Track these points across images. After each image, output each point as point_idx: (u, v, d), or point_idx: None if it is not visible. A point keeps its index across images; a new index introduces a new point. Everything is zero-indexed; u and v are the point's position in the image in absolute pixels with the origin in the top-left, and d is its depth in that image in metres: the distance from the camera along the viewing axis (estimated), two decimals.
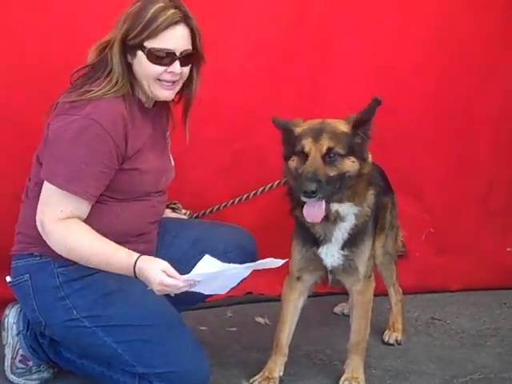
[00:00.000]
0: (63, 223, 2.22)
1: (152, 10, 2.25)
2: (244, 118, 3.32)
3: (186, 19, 2.29)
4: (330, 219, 2.47)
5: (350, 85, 3.40)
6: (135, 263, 2.18)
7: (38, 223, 2.25)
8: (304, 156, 2.40)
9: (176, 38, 2.28)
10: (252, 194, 3.01)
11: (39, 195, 2.30)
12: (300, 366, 2.81)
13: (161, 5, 2.27)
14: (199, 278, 2.13)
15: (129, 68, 2.32)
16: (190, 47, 2.32)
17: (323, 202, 2.37)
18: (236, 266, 2.16)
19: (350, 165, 2.41)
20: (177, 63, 2.29)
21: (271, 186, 2.99)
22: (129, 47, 2.28)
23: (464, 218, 3.70)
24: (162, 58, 2.27)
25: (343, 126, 2.44)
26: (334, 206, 2.45)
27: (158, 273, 2.14)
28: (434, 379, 2.76)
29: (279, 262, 2.18)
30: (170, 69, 2.29)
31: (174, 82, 2.34)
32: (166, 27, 2.25)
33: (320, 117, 3.29)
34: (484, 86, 3.61)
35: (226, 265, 2.13)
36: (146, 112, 2.39)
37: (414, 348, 3.03)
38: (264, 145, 3.32)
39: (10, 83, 2.88)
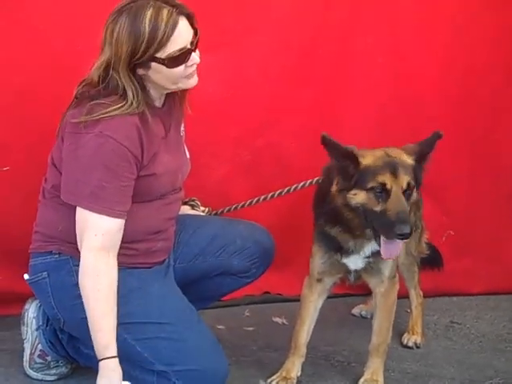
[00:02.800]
0: (96, 258, 2.18)
1: (147, 22, 2.14)
2: (264, 115, 3.30)
3: (180, 11, 2.21)
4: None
5: (370, 85, 3.37)
6: (107, 357, 2.17)
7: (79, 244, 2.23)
8: (383, 193, 2.31)
9: (182, 35, 2.22)
10: (277, 193, 2.96)
11: (56, 197, 2.30)
12: (318, 366, 2.79)
13: (151, 11, 2.15)
14: None
15: (141, 81, 2.25)
16: (192, 32, 2.26)
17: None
18: None
19: (415, 196, 2.42)
20: (192, 55, 2.26)
21: (296, 188, 2.93)
22: (138, 64, 2.21)
23: (484, 220, 3.65)
24: (179, 58, 2.22)
25: (408, 158, 2.38)
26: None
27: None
28: (453, 383, 2.73)
29: None
30: (190, 62, 2.26)
31: (196, 67, 2.30)
32: (172, 32, 2.17)
33: (341, 117, 3.36)
34: (507, 86, 3.55)
35: None
36: (156, 113, 2.34)
37: (433, 351, 3.00)
38: (284, 142, 3.31)
39: (24, 82, 2.86)
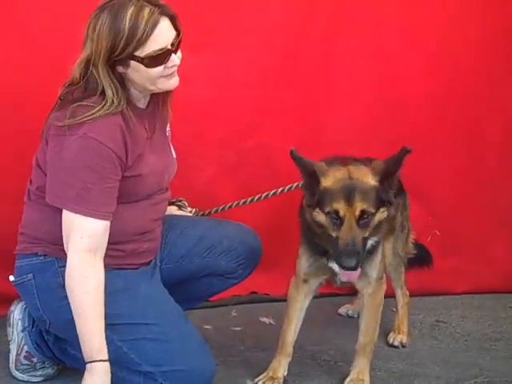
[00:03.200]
0: (82, 261, 2.18)
1: (128, 19, 2.14)
2: (250, 117, 3.32)
3: (162, 12, 2.21)
4: None
5: (355, 87, 3.39)
6: (99, 360, 2.18)
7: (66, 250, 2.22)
8: (337, 220, 2.32)
9: (163, 35, 2.22)
10: (264, 195, 2.97)
11: (41, 198, 2.30)
12: (304, 366, 2.80)
13: (132, 9, 2.16)
14: None
15: (120, 78, 2.25)
16: (175, 33, 2.26)
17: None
18: None
19: (381, 216, 2.38)
20: (172, 56, 2.26)
21: (282, 190, 2.94)
22: (117, 61, 2.21)
23: (469, 220, 3.68)
24: (158, 58, 2.22)
25: (371, 179, 2.35)
26: None
27: None
28: (438, 382, 2.74)
29: None
30: (170, 63, 2.26)
31: (176, 69, 2.30)
32: (152, 31, 2.17)
33: (327, 119, 3.38)
34: (493, 88, 3.59)
35: None
36: (140, 114, 2.34)
37: (418, 351, 3.01)
38: (270, 144, 3.32)
39: (11, 85, 2.86)
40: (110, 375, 2.20)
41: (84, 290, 2.18)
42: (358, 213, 2.32)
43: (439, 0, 3.45)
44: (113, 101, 2.21)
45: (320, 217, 2.38)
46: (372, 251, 2.52)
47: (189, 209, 2.89)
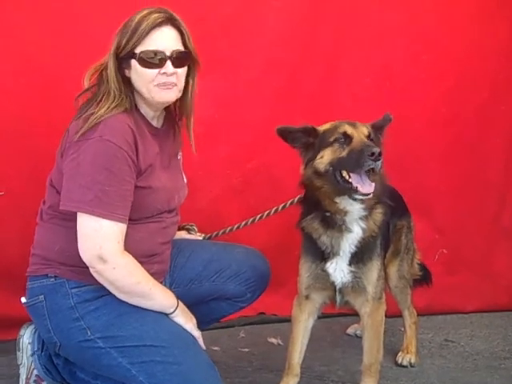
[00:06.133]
0: (127, 256, 2.26)
1: (136, 19, 2.29)
2: (256, 137, 3.35)
3: (171, 20, 2.31)
4: (338, 222, 2.47)
5: (359, 104, 3.42)
6: (177, 303, 2.38)
7: (92, 258, 2.23)
8: (346, 140, 2.41)
9: (163, 38, 2.29)
10: (266, 214, 3.01)
11: (54, 218, 2.33)
12: None
13: (145, 12, 2.31)
14: None
15: (127, 82, 2.34)
16: (180, 47, 2.32)
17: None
18: None
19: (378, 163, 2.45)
20: (168, 63, 2.29)
21: (284, 206, 2.98)
22: (123, 60, 2.31)
23: (476, 238, 3.69)
24: (152, 59, 2.28)
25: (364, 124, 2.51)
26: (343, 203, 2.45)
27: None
28: None
29: None
30: (163, 70, 2.29)
31: (171, 83, 2.34)
32: (151, 29, 2.27)
33: None
34: (495, 103, 3.61)
35: None
36: (154, 131, 2.41)
37: (427, 370, 3.01)
38: (276, 164, 3.35)
39: (20, 109, 2.92)
40: None
41: (136, 281, 2.29)
42: (365, 132, 2.44)
43: (435, 10, 3.48)
44: (115, 95, 2.28)
45: (325, 155, 2.44)
46: (366, 258, 2.52)
47: (198, 234, 2.91)
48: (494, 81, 3.59)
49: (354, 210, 2.46)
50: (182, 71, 2.35)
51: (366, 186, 2.39)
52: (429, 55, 3.49)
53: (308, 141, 2.49)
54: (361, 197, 2.41)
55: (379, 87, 3.45)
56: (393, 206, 2.65)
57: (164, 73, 2.30)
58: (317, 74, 3.40)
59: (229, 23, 3.24)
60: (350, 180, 2.39)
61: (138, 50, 2.28)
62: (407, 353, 3.05)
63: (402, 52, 3.47)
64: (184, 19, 2.85)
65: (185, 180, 2.61)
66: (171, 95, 2.36)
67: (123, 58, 2.31)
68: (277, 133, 2.48)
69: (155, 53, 2.28)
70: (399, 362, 3.03)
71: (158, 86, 2.32)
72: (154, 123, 2.43)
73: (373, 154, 2.32)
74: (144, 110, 2.39)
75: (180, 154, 2.60)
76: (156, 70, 2.29)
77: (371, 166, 2.35)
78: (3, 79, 2.91)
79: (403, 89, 3.49)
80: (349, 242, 2.50)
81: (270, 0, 3.28)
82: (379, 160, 2.34)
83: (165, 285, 2.56)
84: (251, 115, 3.33)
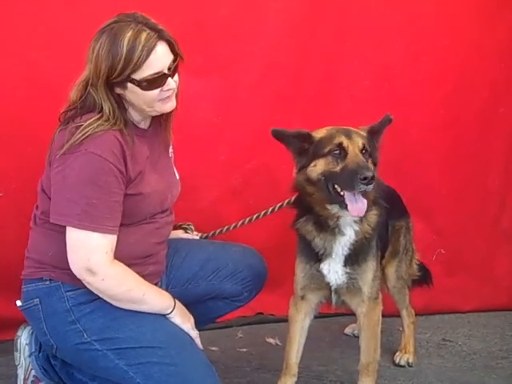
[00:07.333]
0: (116, 265, 2.27)
1: (125, 43, 2.20)
2: (256, 138, 3.34)
3: (160, 36, 2.26)
4: (331, 225, 2.47)
5: (359, 104, 3.42)
6: (174, 303, 2.39)
7: (81, 271, 2.23)
8: (341, 153, 2.39)
9: (159, 59, 2.26)
10: (262, 213, 3.01)
11: (46, 223, 2.32)
12: None
13: (130, 33, 2.21)
14: None
15: (118, 99, 2.30)
16: (172, 57, 2.30)
17: (362, 197, 2.38)
18: None
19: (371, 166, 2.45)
20: (169, 80, 2.29)
21: (281, 205, 2.98)
22: (115, 83, 2.26)
23: (474, 238, 3.69)
24: (154, 82, 2.26)
25: (360, 131, 2.49)
26: (335, 209, 2.44)
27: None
28: None
29: None
30: (166, 87, 2.29)
31: (172, 92, 2.34)
32: (148, 55, 2.22)
33: None
34: (495, 105, 3.61)
35: None
36: (141, 134, 2.39)
37: (425, 369, 3.01)
38: (275, 165, 3.34)
39: (17, 112, 2.91)
40: None
41: (127, 288, 2.29)
42: (360, 144, 2.40)
43: (435, 11, 3.48)
44: (109, 118, 2.25)
45: (318, 165, 2.42)
46: (361, 259, 2.52)
47: (195, 233, 2.90)
48: (493, 82, 3.59)
49: (346, 215, 2.44)
50: (177, 77, 2.35)
51: (359, 206, 2.37)
52: (428, 56, 3.48)
53: (302, 146, 2.46)
54: (349, 217, 2.42)
55: (378, 89, 3.45)
56: (391, 207, 2.65)
57: (167, 89, 2.29)
58: (316, 75, 3.39)
59: (228, 25, 3.23)
60: (342, 193, 2.38)
61: (136, 76, 2.24)
62: (405, 352, 3.05)
63: (401, 53, 3.46)
64: (183, 21, 2.89)
65: (177, 176, 2.59)
66: (173, 103, 2.37)
67: (115, 82, 2.26)
68: (272, 135, 2.47)
69: (156, 75, 2.25)
70: (397, 361, 3.03)
71: (162, 101, 2.32)
72: (142, 126, 2.41)
73: (365, 178, 2.30)
74: (132, 115, 2.37)
75: (171, 150, 2.58)
76: (158, 90, 2.28)
77: (362, 190, 2.34)
78: (3, 82, 2.90)
79: (402, 90, 3.48)
80: (342, 245, 2.50)
81: (269, 2, 3.27)
82: (371, 184, 2.32)
83: (161, 286, 2.56)
84: (251, 116, 3.33)
